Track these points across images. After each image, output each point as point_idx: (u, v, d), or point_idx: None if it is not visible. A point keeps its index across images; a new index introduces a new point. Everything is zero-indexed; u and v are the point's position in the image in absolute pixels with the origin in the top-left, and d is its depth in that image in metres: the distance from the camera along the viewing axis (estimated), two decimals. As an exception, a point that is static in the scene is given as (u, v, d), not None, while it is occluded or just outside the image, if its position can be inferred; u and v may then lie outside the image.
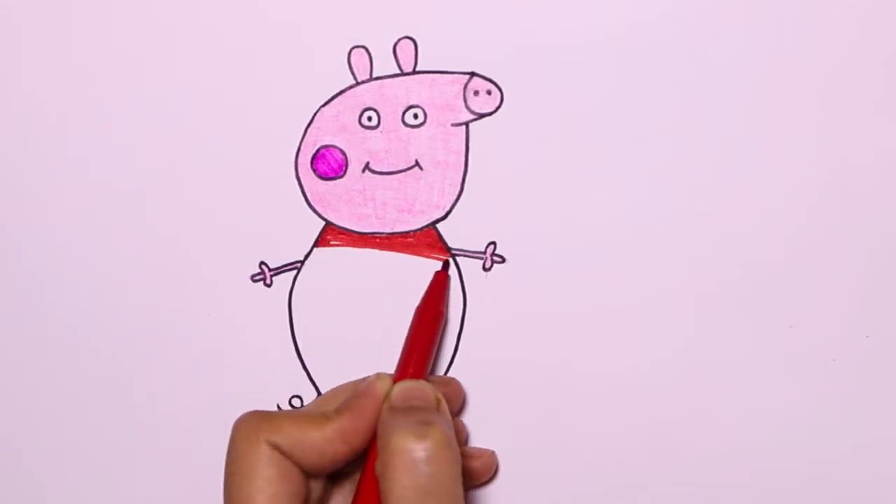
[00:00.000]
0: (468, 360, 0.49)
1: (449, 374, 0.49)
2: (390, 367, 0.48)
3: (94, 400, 0.51)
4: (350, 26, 0.49)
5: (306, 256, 0.50)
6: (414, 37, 0.48)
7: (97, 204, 0.50)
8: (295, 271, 0.50)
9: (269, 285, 0.50)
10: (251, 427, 0.42)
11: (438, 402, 0.43)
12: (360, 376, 0.49)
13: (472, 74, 0.48)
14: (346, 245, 0.49)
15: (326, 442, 0.43)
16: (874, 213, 0.48)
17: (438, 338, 0.48)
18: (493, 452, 0.49)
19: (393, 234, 0.49)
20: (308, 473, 0.43)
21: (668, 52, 0.48)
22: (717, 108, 0.48)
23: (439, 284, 0.48)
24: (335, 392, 0.46)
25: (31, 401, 0.51)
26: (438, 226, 0.49)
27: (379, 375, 0.44)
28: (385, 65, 0.49)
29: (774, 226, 0.48)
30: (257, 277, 0.50)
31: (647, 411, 0.49)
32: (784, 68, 0.47)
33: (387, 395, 0.43)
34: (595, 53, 0.48)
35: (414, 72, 0.49)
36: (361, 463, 0.44)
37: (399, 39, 0.48)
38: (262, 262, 0.50)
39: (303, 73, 0.49)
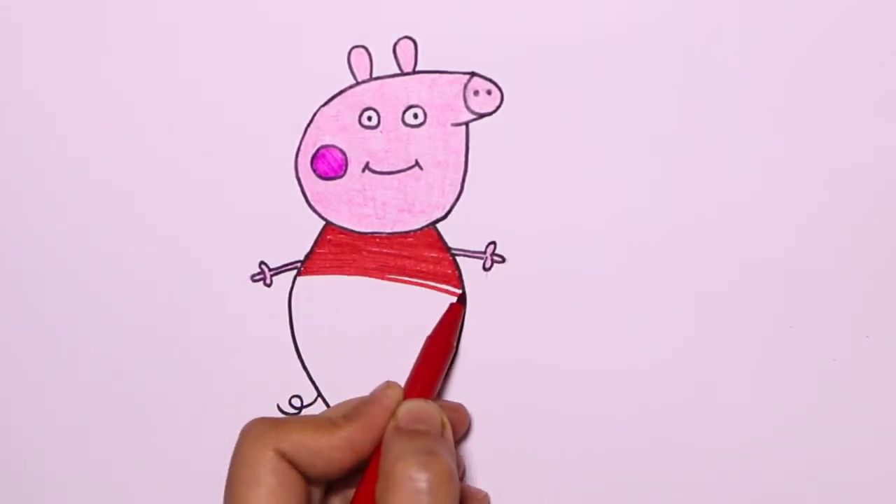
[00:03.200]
0: (468, 360, 0.49)
1: (448, 375, 0.49)
2: (390, 366, 0.48)
3: (94, 400, 0.51)
4: (350, 26, 0.49)
5: (306, 256, 0.50)
6: (414, 37, 0.48)
7: (97, 204, 0.50)
8: (295, 271, 0.50)
9: (269, 285, 0.50)
10: (259, 434, 0.42)
11: (444, 426, 0.43)
12: (360, 376, 0.49)
13: (472, 74, 0.48)
14: (345, 250, 0.49)
15: (334, 449, 0.43)
16: (874, 214, 0.48)
17: (446, 367, 0.48)
18: (486, 495, 0.49)
19: (393, 233, 0.49)
20: (312, 480, 0.43)
21: (668, 52, 0.48)
22: (717, 108, 0.48)
23: (454, 316, 0.48)
24: (347, 403, 0.46)
25: (31, 401, 0.51)
26: (438, 226, 0.49)
27: (389, 384, 0.44)
28: (385, 65, 0.49)
29: (774, 226, 0.48)
30: (257, 277, 0.50)
31: (647, 411, 0.49)
32: (784, 68, 0.47)
33: (395, 409, 0.43)
34: (595, 53, 0.48)
35: (414, 72, 0.49)
36: (361, 470, 0.44)
37: (399, 39, 0.48)
38: (262, 262, 0.50)
39: (303, 73, 0.49)
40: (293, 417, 0.43)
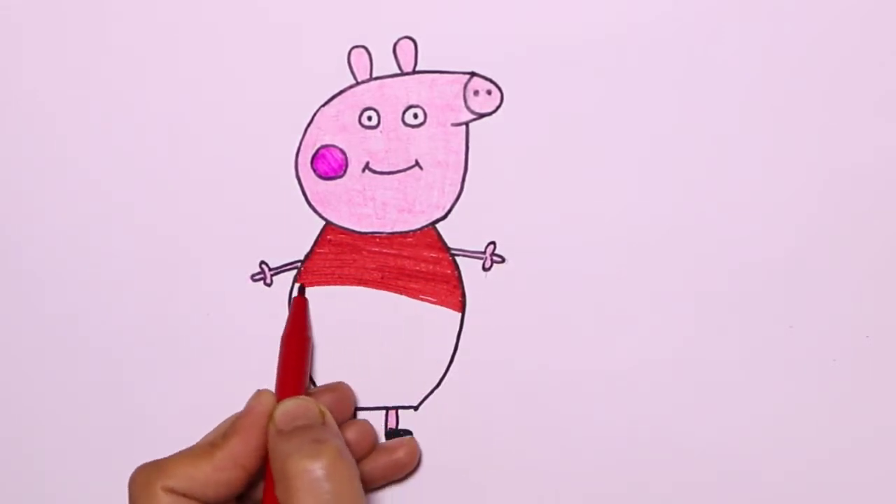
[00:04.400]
0: (468, 360, 0.49)
1: (448, 375, 0.49)
2: (390, 365, 0.48)
3: (94, 400, 0.51)
4: (350, 26, 0.49)
5: (306, 256, 0.50)
6: (414, 37, 0.48)
7: (97, 203, 0.50)
8: (295, 271, 0.50)
9: (269, 285, 0.50)
10: (145, 479, 0.43)
11: (323, 414, 0.44)
12: (360, 376, 0.49)
13: (472, 74, 0.48)
14: (345, 250, 0.49)
15: (220, 471, 0.43)
16: (874, 213, 0.48)
17: (309, 360, 0.48)
18: (411, 438, 0.49)
19: (393, 233, 0.49)
20: None
21: (668, 52, 0.48)
22: (717, 108, 0.48)
23: (300, 308, 0.49)
24: (226, 421, 0.46)
25: (31, 400, 0.51)
26: (438, 226, 0.49)
27: (259, 392, 0.45)
28: (385, 65, 0.49)
29: (774, 226, 0.48)
30: (257, 277, 0.50)
31: (647, 411, 0.49)
32: (784, 68, 0.47)
33: (271, 413, 0.44)
34: (595, 53, 0.48)
35: (414, 72, 0.49)
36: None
37: (399, 39, 0.48)
38: (262, 262, 0.50)
39: (303, 73, 0.49)
40: (175, 453, 0.44)
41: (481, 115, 0.49)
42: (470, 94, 0.48)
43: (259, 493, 0.45)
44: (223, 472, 0.43)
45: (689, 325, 0.48)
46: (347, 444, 0.45)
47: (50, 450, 0.51)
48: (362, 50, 0.49)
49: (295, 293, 0.49)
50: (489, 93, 0.48)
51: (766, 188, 0.48)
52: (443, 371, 0.49)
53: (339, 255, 0.49)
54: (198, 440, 0.46)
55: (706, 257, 0.48)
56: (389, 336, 0.49)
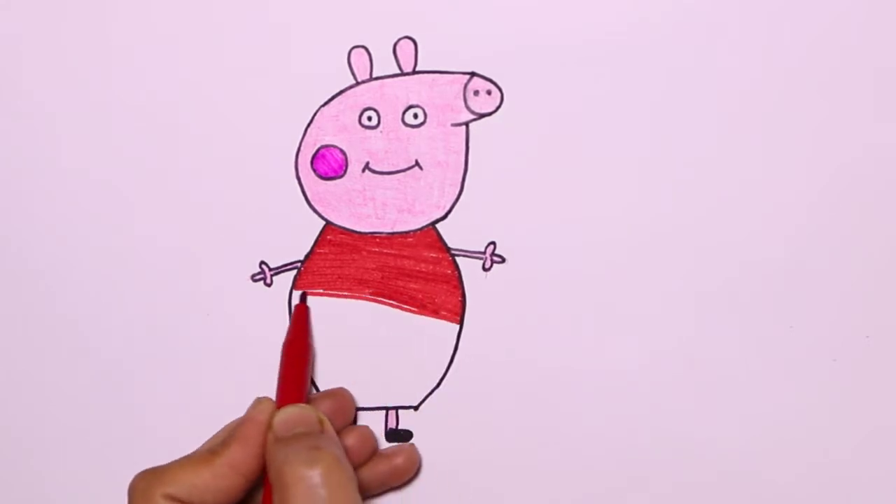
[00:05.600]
0: (468, 359, 0.49)
1: (448, 375, 0.49)
2: (390, 365, 0.48)
3: (94, 400, 0.51)
4: (350, 26, 0.49)
5: (306, 256, 0.50)
6: (414, 37, 0.48)
7: (97, 204, 0.50)
8: (295, 271, 0.50)
9: (269, 285, 0.50)
10: (145, 486, 0.43)
11: (321, 422, 0.44)
12: (360, 376, 0.49)
13: (472, 74, 0.48)
14: (345, 250, 0.49)
15: (219, 478, 0.43)
16: (874, 213, 0.48)
17: (310, 367, 0.48)
18: (411, 445, 0.49)
19: (393, 233, 0.49)
20: None
21: (668, 52, 0.48)
22: (716, 108, 0.48)
23: (302, 316, 0.49)
24: (226, 428, 0.46)
25: (31, 400, 0.51)
26: (438, 226, 0.49)
27: (259, 399, 0.45)
28: (385, 65, 0.49)
29: (774, 226, 0.48)
30: (257, 277, 0.50)
31: (647, 411, 0.49)
32: (783, 68, 0.47)
33: (270, 420, 0.44)
34: (595, 53, 0.48)
35: (414, 72, 0.49)
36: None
37: (399, 39, 0.48)
38: (263, 262, 0.50)
39: (303, 73, 0.49)
40: (175, 460, 0.44)
41: (481, 115, 0.49)
42: (470, 94, 0.48)
43: (258, 500, 0.45)
44: (222, 479, 0.43)
45: (689, 324, 0.48)
46: (347, 450, 0.45)
47: (50, 449, 0.51)
48: (362, 50, 0.49)
49: (296, 300, 0.49)
50: (489, 93, 0.48)
51: (765, 188, 0.48)
52: (443, 371, 0.49)
53: (339, 255, 0.49)
54: (197, 440, 0.46)
55: (706, 257, 0.48)
56: (390, 336, 0.49)
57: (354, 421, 0.49)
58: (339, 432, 0.46)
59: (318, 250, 0.50)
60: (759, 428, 0.48)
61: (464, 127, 0.49)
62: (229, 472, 0.43)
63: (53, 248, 0.50)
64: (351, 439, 0.47)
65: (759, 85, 0.48)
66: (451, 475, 0.49)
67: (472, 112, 0.49)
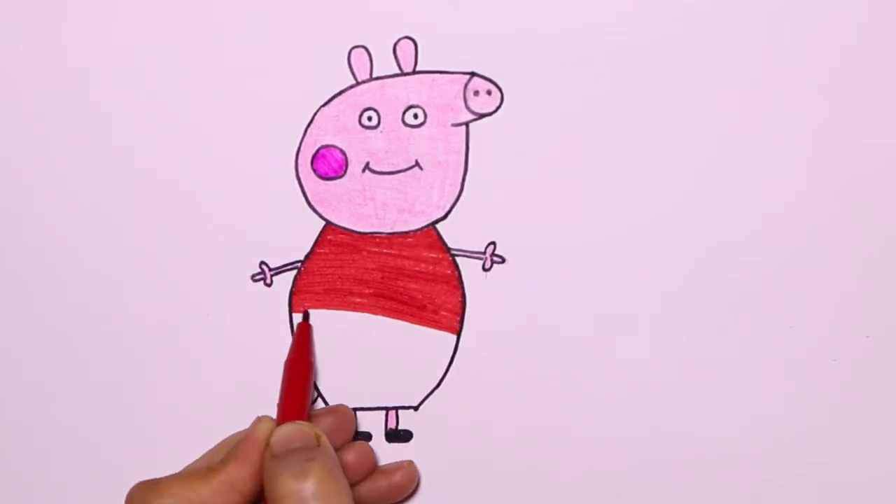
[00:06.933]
0: (468, 360, 0.49)
1: (448, 375, 0.49)
2: (390, 365, 0.48)
3: (94, 400, 0.50)
4: (350, 26, 0.49)
5: (306, 256, 0.50)
6: (414, 37, 0.48)
7: (97, 204, 0.50)
8: (295, 271, 0.50)
9: (269, 285, 0.50)
10: (141, 496, 0.43)
11: (318, 438, 0.44)
12: (360, 376, 0.49)
13: (472, 74, 0.48)
14: (345, 249, 0.49)
15: (216, 494, 0.43)
16: (874, 213, 0.48)
17: (311, 385, 0.48)
18: (410, 462, 0.49)
19: (393, 233, 0.49)
20: None
21: (668, 53, 0.48)
22: (716, 108, 0.48)
23: (304, 334, 0.49)
24: (226, 442, 0.46)
25: (31, 400, 0.51)
26: (438, 226, 0.49)
27: (260, 419, 0.45)
28: (385, 65, 0.49)
29: (774, 226, 0.48)
30: (257, 277, 0.50)
31: (647, 411, 0.49)
32: (784, 68, 0.48)
33: (268, 439, 0.44)
34: (595, 53, 0.48)
35: (414, 72, 0.49)
36: None
37: (399, 39, 0.48)
38: (263, 262, 0.50)
39: (303, 73, 0.49)
40: (173, 474, 0.44)
41: (481, 116, 0.49)
42: (470, 94, 0.48)
43: None
44: (220, 496, 0.43)
45: (689, 325, 0.48)
46: (346, 466, 0.45)
47: (49, 449, 0.51)
48: (362, 50, 0.49)
49: (298, 319, 0.49)
50: (489, 93, 0.48)
51: (766, 188, 0.48)
52: (443, 371, 0.49)
53: (339, 256, 0.49)
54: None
55: (706, 257, 0.48)
56: (390, 336, 0.49)
57: (356, 421, 0.49)
58: (338, 449, 0.46)
59: (318, 250, 0.50)
60: (759, 428, 0.48)
61: (464, 127, 0.49)
62: (227, 490, 0.43)
63: (53, 248, 0.50)
64: (350, 455, 0.47)
65: (759, 85, 0.48)
66: (451, 475, 0.49)
67: (472, 112, 0.49)
